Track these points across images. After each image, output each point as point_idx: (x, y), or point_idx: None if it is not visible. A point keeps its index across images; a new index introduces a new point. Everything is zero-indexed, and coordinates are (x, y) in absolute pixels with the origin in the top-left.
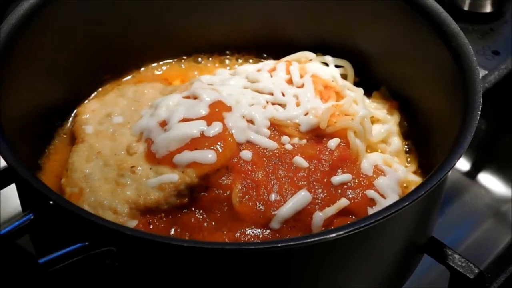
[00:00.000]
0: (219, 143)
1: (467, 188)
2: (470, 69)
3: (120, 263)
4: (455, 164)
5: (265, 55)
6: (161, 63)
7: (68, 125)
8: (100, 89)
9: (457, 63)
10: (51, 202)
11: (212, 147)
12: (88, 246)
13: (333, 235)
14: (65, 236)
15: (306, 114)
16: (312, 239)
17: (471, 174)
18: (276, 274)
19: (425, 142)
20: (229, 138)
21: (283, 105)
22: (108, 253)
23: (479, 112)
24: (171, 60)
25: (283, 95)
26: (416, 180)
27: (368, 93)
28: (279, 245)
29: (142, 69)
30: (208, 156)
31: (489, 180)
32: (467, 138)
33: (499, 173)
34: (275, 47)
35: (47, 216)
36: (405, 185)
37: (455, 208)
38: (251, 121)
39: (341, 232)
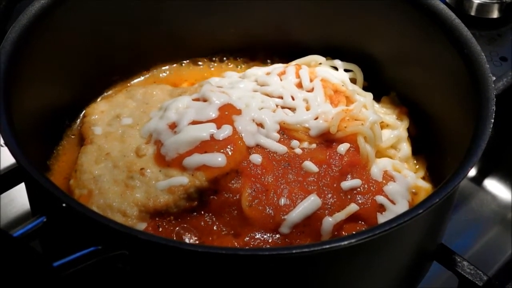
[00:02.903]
0: (229, 147)
1: (473, 194)
2: (482, 76)
3: (132, 267)
4: (468, 172)
5: (274, 58)
6: (170, 65)
7: (77, 125)
8: (109, 90)
9: (470, 70)
10: (63, 205)
11: (222, 150)
12: (101, 250)
13: (345, 242)
14: (77, 239)
15: (316, 118)
16: (326, 246)
17: (477, 181)
18: (289, 280)
19: (434, 148)
20: (239, 142)
21: (292, 109)
22: (121, 257)
23: (492, 120)
24: (180, 63)
25: (293, 99)
26: (426, 186)
27: (377, 98)
28: (294, 251)
29: (151, 71)
30: (218, 159)
31: (495, 187)
32: (480, 147)
33: (505, 180)
34: (284, 51)
35: (59, 219)
36: (414, 191)
37: (461, 215)
38: (260, 125)
39: (353, 240)
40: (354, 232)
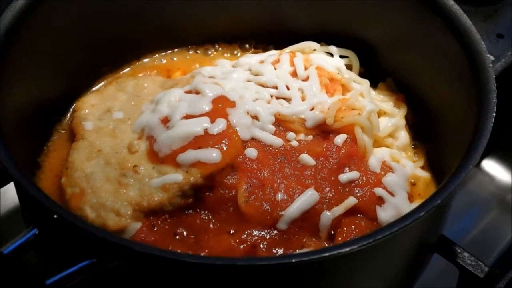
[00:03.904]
0: (223, 141)
1: (471, 175)
2: (483, 67)
3: (127, 278)
4: (470, 170)
5: (267, 45)
6: (161, 54)
7: (67, 120)
8: (98, 82)
9: (469, 60)
10: (55, 216)
11: (216, 146)
12: (96, 263)
13: (347, 249)
14: (71, 251)
15: (312, 109)
16: (326, 254)
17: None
18: (288, 285)
19: (432, 135)
20: (234, 136)
21: (288, 99)
22: (116, 268)
23: (494, 114)
24: (170, 51)
25: (288, 88)
26: (425, 176)
27: (373, 84)
28: (293, 260)
29: (141, 60)
30: (212, 155)
31: (493, 168)
32: (482, 143)
33: (503, 161)
34: (277, 37)
35: (52, 231)
36: (412, 181)
37: (460, 197)
38: (255, 117)
39: (355, 246)
40: (354, 238)
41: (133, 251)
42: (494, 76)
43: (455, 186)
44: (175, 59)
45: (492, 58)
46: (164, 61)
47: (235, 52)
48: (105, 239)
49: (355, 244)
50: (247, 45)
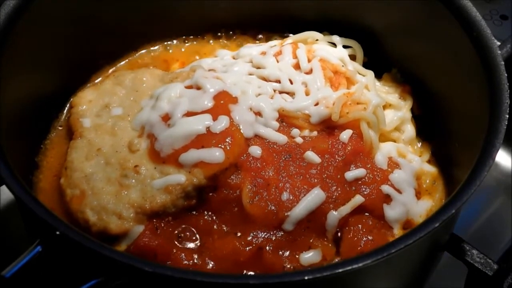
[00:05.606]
0: (227, 140)
1: None
2: (495, 64)
3: None
4: (485, 177)
5: (268, 33)
6: (158, 44)
7: (64, 116)
8: (96, 75)
9: (480, 56)
10: (57, 233)
11: (219, 145)
12: (103, 282)
13: (360, 264)
14: (75, 270)
15: (317, 104)
16: (340, 270)
17: None
18: None
19: (437, 128)
20: (237, 134)
21: (291, 94)
22: (122, 285)
23: (507, 116)
24: (168, 42)
25: (291, 82)
26: (432, 170)
27: (378, 75)
28: (306, 278)
29: (139, 52)
30: (215, 154)
31: (497, 154)
32: (496, 147)
33: (507, 146)
34: (278, 25)
35: (56, 248)
36: (420, 176)
37: None
38: (258, 113)
39: (368, 261)
40: (367, 252)
41: (143, 272)
42: (506, 75)
43: (469, 195)
44: (174, 50)
45: (498, 43)
46: (163, 52)
47: (236, 41)
48: (113, 259)
49: (369, 258)
50: (247, 34)
